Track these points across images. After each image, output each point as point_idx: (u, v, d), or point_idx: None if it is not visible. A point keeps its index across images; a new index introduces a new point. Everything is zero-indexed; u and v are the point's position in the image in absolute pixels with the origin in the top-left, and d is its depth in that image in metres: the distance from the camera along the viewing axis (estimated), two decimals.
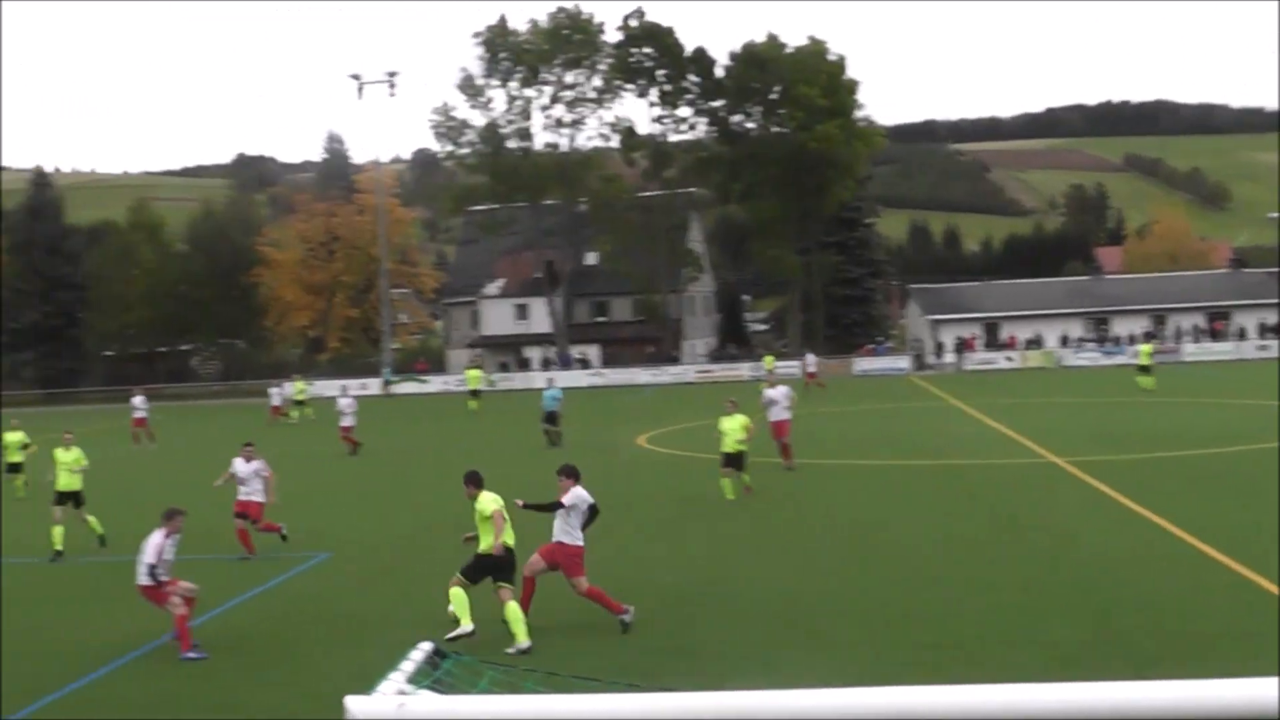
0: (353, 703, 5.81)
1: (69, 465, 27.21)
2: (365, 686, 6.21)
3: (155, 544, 17.84)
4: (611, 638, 17.23)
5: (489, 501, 18.14)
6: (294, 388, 65.88)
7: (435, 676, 6.40)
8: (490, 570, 17.80)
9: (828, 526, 25.66)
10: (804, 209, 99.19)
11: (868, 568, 21.28)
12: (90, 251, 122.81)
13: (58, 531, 25.69)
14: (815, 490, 31.11)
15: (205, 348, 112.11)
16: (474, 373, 68.37)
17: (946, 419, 50.22)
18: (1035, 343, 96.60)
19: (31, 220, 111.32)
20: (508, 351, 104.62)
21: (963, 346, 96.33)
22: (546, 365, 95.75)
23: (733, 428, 28.99)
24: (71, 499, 26.70)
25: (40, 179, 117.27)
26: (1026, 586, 19.12)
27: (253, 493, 24.92)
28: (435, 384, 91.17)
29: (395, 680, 6.05)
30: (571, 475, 18.70)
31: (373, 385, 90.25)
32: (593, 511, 18.63)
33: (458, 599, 17.55)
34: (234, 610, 20.08)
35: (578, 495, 18.40)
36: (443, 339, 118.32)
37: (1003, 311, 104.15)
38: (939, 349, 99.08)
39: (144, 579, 17.83)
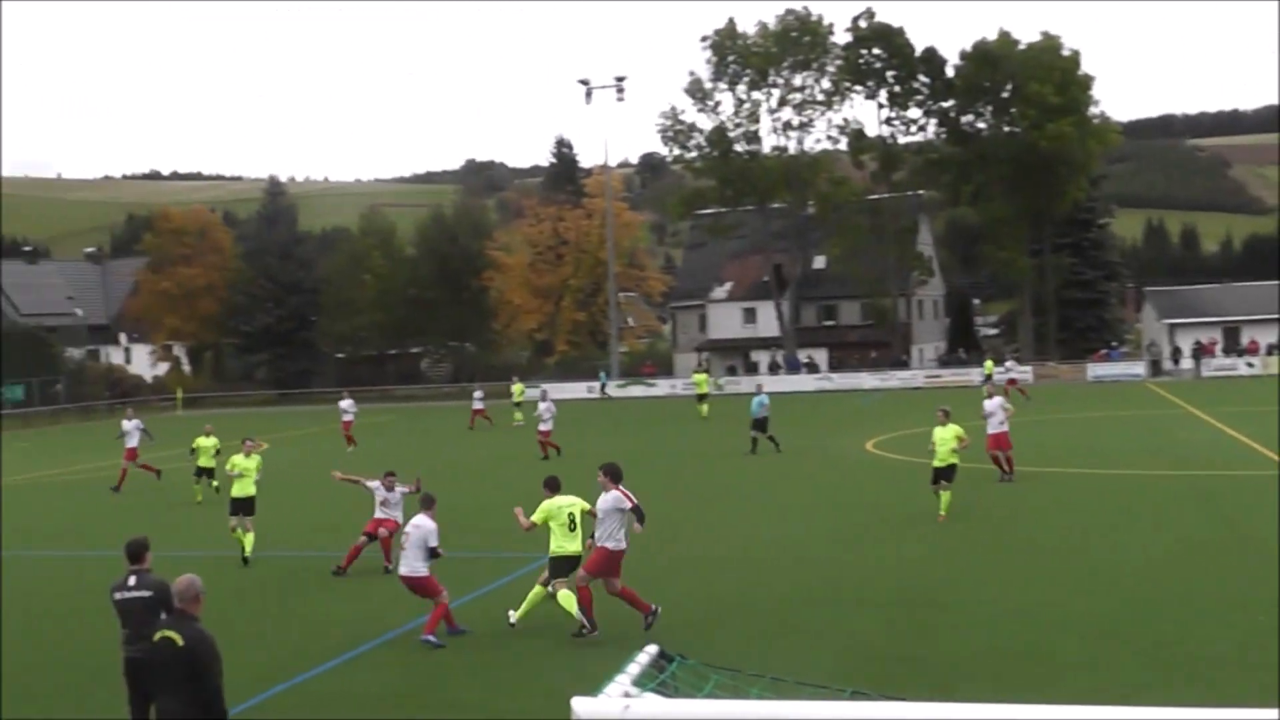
0: (579, 704, 5.85)
1: (249, 472, 26.92)
2: (588, 688, 6.23)
3: (433, 528, 18.22)
4: (837, 643, 17.09)
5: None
6: (514, 389, 66.13)
7: (661, 679, 6.42)
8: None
9: (1054, 536, 25.01)
10: (1036, 210, 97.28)
11: (1095, 581, 20.62)
12: (323, 257, 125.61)
13: (248, 539, 25.75)
14: (1041, 499, 30.25)
15: (435, 350, 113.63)
16: (701, 377, 67.92)
17: (1183, 427, 48.66)
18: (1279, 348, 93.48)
19: (266, 227, 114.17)
20: (735, 355, 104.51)
21: (1201, 351, 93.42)
22: (774, 369, 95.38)
23: (945, 439, 28.01)
24: (243, 507, 26.41)
25: (275, 188, 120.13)
26: (1272, 607, 17.84)
27: (390, 514, 24.40)
28: (662, 387, 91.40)
29: (621, 682, 6.07)
30: (610, 475, 18.72)
31: (599, 388, 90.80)
32: (637, 513, 18.59)
33: (568, 601, 17.74)
34: (459, 610, 20.30)
35: (608, 503, 18.37)
36: (670, 342, 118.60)
37: (1243, 315, 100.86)
38: (1176, 354, 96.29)
39: (423, 568, 18.25)
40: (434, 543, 18.40)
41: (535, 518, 18.80)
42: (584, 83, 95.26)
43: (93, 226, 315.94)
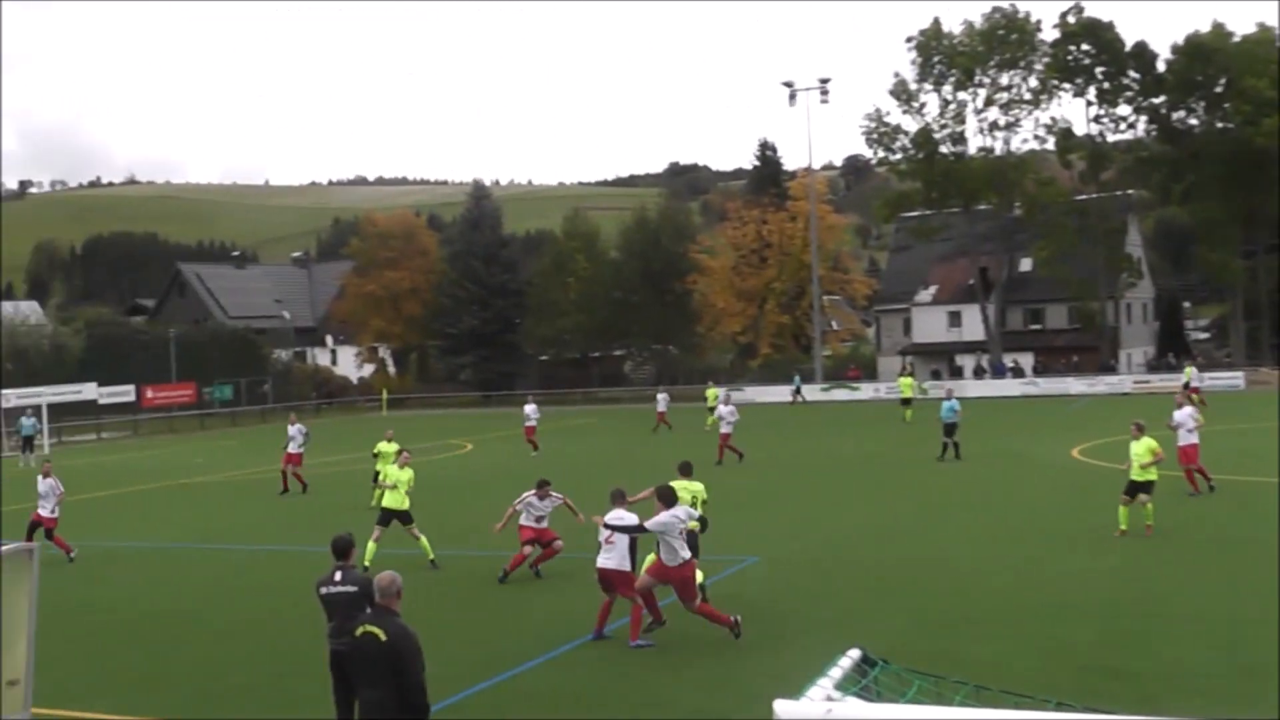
0: (781, 706, 5.81)
1: (402, 484, 26.33)
2: (789, 689, 6.19)
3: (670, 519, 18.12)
4: (1041, 651, 16.80)
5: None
6: (708, 394, 66.02)
7: (863, 684, 6.36)
8: None
9: (1263, 548, 24.29)
10: (1249, 210, 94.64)
11: None
12: (527, 260, 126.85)
13: (370, 548, 25.29)
14: (1250, 509, 29.18)
15: (638, 353, 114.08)
16: (907, 380, 67.14)
17: None
18: None
19: (471, 231, 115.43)
20: (940, 359, 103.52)
21: None
22: (979, 374, 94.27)
23: (1139, 453, 26.87)
24: (397, 517, 26.02)
25: (479, 191, 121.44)
26: None
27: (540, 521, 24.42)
28: (866, 391, 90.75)
29: (823, 686, 6.02)
30: (663, 499, 18.35)
31: (804, 391, 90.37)
32: (703, 524, 18.82)
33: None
34: (665, 609, 20.40)
35: (663, 522, 17.88)
36: (874, 346, 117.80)
37: None
38: None
39: (628, 563, 18.38)
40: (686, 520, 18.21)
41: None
42: (788, 85, 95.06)
43: (300, 231, 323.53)
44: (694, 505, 19.29)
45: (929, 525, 28.55)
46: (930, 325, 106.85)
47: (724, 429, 46.32)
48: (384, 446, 36.78)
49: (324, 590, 13.41)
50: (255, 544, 29.00)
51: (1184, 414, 32.40)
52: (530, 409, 54.75)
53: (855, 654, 6.71)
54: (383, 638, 10.66)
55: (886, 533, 27.56)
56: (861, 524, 29.05)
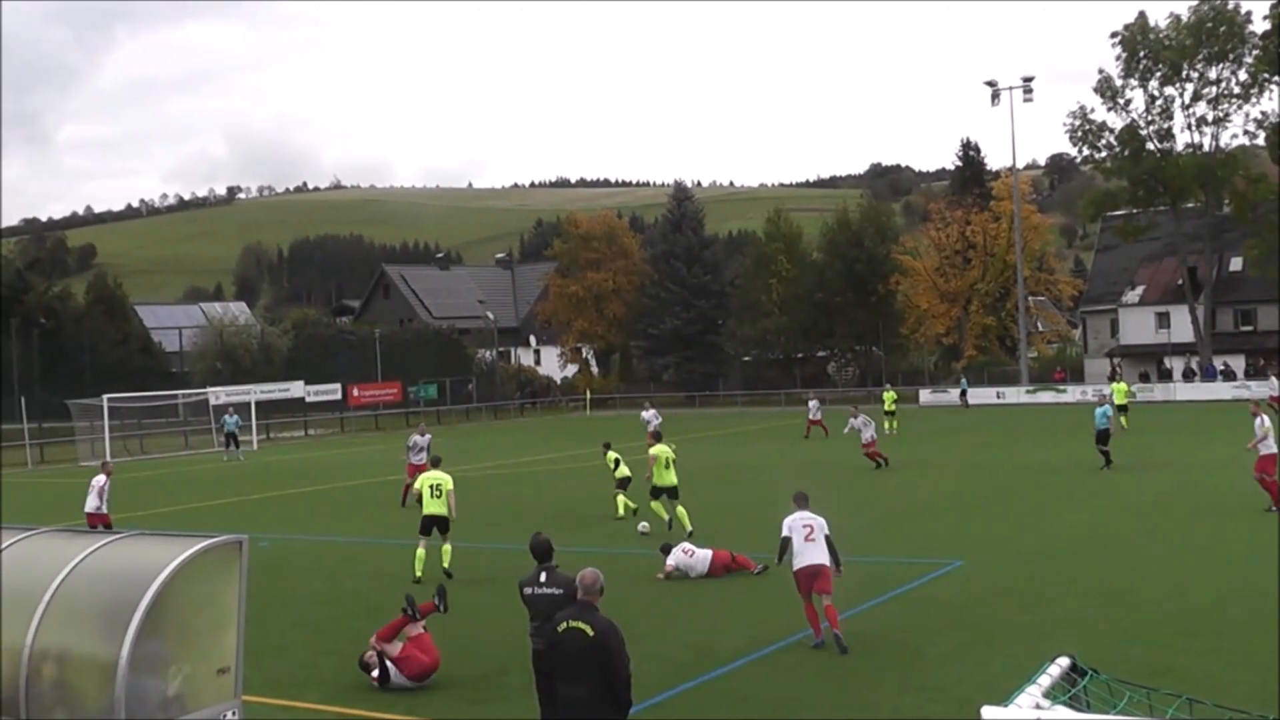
0: (989, 712, 5.71)
1: (441, 490, 26.10)
2: (993, 695, 6.08)
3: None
4: (1258, 666, 16.30)
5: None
6: (886, 397, 65.37)
7: (1072, 693, 6.22)
8: None
9: None
10: None
11: None
12: (729, 261, 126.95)
13: (420, 555, 25.60)
14: None
15: (841, 354, 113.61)
16: (1120, 386, 64.87)
17: None
18: None
19: (673, 232, 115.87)
20: (1148, 361, 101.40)
21: None
22: (1188, 376, 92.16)
23: None
24: (436, 525, 25.92)
25: (681, 192, 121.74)
26: None
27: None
28: (1072, 394, 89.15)
29: (1032, 694, 5.90)
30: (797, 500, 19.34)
31: (1009, 394, 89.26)
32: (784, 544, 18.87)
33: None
34: (869, 612, 20.29)
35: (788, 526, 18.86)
36: (1081, 348, 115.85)
37: None
38: None
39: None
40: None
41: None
42: (991, 84, 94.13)
43: (503, 233, 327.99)
44: (667, 464, 28.87)
45: (1135, 533, 27.93)
46: (1138, 326, 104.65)
47: (865, 437, 46.06)
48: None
49: (528, 591, 13.50)
50: (456, 540, 29.32)
51: (1264, 424, 30.98)
52: (649, 414, 54.57)
53: (1064, 662, 6.57)
54: (590, 633, 10.74)
55: (1093, 540, 27.04)
56: (1067, 530, 28.53)
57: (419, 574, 25.07)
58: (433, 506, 25.80)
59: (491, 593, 23.19)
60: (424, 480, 26.46)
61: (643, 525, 30.84)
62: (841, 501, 35.56)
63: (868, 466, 44.88)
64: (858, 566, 24.50)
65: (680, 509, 29.16)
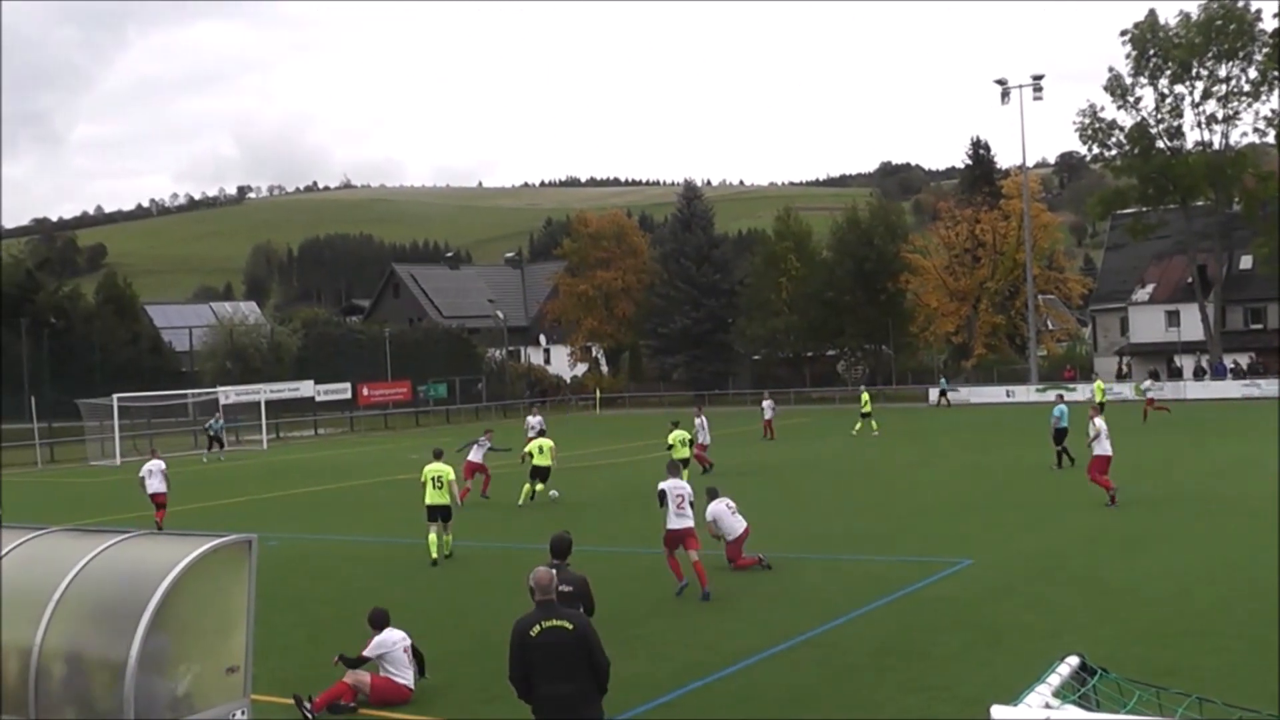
0: (999, 712, 5.70)
1: (443, 480, 28.02)
2: (1002, 695, 6.07)
3: None
4: (1268, 666, 16.24)
5: None
6: (862, 399, 65.46)
7: (1082, 692, 6.20)
8: None
9: None
10: None
11: None
12: (739, 260, 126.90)
13: (431, 540, 27.38)
14: None
15: (851, 353, 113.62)
16: (1099, 385, 64.71)
17: None
18: None
19: (682, 231, 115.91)
20: (1158, 359, 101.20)
21: None
22: (1198, 375, 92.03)
23: None
24: (441, 514, 27.67)
25: (690, 192, 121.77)
26: None
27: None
28: (1083, 392, 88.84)
29: (1041, 693, 5.89)
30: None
31: (1018, 392, 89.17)
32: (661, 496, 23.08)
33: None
34: (877, 611, 20.29)
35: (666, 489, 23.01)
36: (1090, 346, 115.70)
37: None
38: None
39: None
40: None
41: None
42: (1001, 82, 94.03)
43: (512, 232, 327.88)
44: (436, 483, 27.78)
45: (1142, 532, 27.87)
46: (1148, 325, 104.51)
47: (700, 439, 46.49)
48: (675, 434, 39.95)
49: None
50: (468, 539, 29.40)
51: (1098, 425, 32.78)
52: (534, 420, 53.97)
53: (1074, 661, 6.55)
54: (570, 628, 10.82)
55: (1102, 539, 27.00)
56: (1074, 529, 28.49)
57: (434, 556, 27.21)
58: (435, 497, 27.62)
59: (501, 592, 23.19)
60: (427, 472, 28.20)
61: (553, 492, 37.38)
62: (849, 501, 35.67)
63: (875, 466, 44.93)
64: (866, 566, 24.65)
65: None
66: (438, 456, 29.17)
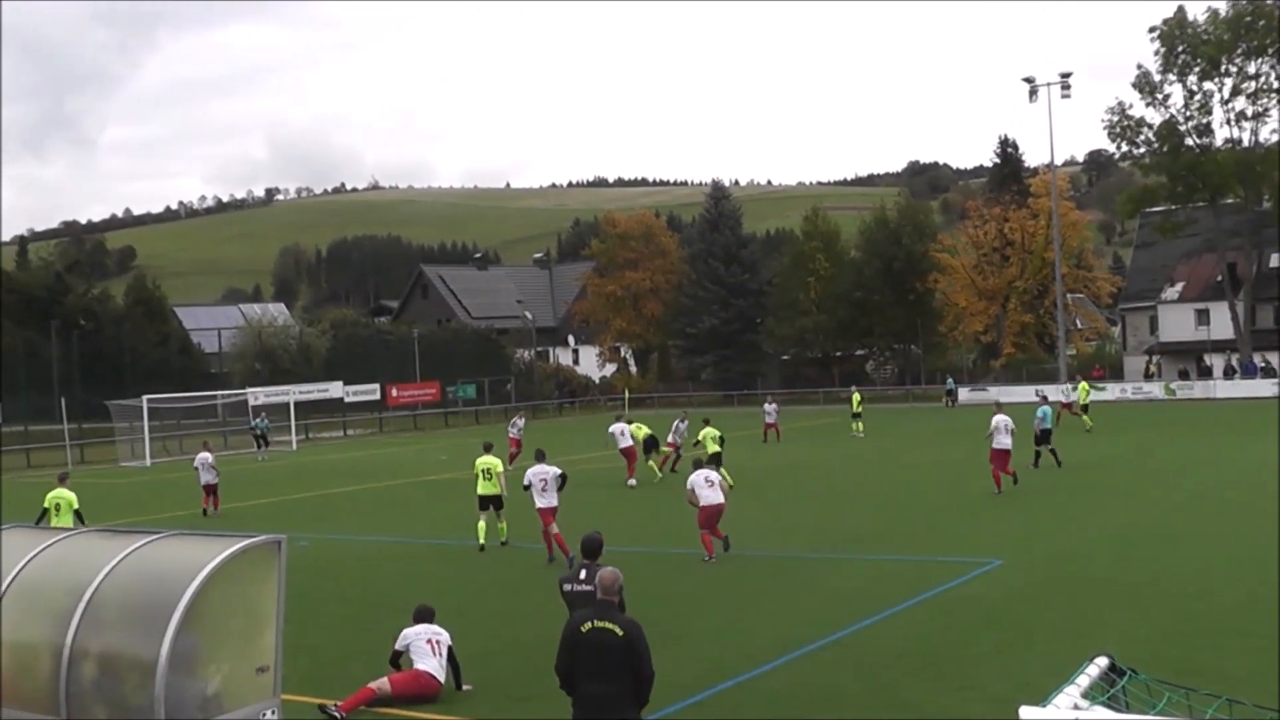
0: (1027, 712, 5.69)
1: (492, 472, 29.58)
2: (1032, 695, 6.06)
3: None
4: None
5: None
6: (853, 399, 65.62)
7: (1111, 693, 6.19)
8: None
9: None
10: None
11: None
12: (767, 260, 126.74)
13: (481, 527, 29.22)
14: None
15: (879, 352, 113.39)
16: (1084, 385, 64.23)
17: None
18: None
19: (710, 231, 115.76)
20: (1187, 358, 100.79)
21: None
22: (1228, 374, 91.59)
23: None
24: (492, 503, 29.36)
25: (718, 191, 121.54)
26: None
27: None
28: (1112, 391, 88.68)
29: (1070, 694, 5.88)
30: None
31: (1047, 392, 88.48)
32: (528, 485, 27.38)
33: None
34: (907, 611, 20.26)
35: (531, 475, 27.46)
36: (1120, 345, 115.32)
37: None
38: None
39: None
40: None
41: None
42: (1028, 80, 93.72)
43: (541, 233, 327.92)
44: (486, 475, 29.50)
45: (1175, 532, 27.78)
46: (1177, 323, 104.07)
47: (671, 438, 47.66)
48: (708, 430, 41.75)
49: (567, 587, 13.60)
50: (497, 539, 29.46)
51: (1000, 420, 35.32)
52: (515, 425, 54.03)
53: (1103, 662, 6.53)
54: (619, 633, 10.78)
55: (1130, 538, 26.91)
56: (1105, 529, 28.40)
57: (482, 542, 29.05)
58: (485, 487, 29.38)
59: (532, 593, 23.22)
60: (478, 464, 29.93)
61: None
62: (878, 500, 35.61)
63: (901, 465, 44.91)
64: (895, 565, 24.61)
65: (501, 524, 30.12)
66: (488, 449, 30.69)
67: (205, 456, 39.92)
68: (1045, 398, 46.99)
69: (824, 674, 16.84)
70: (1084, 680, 6.13)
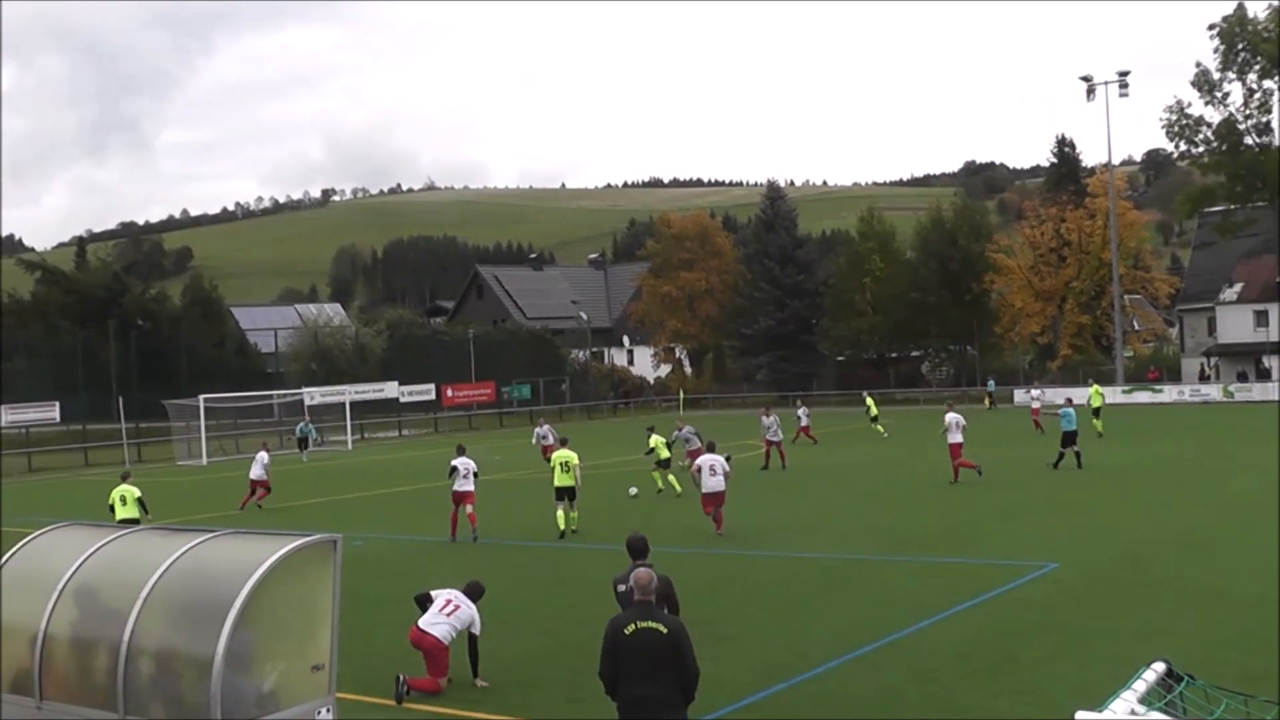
0: (1084, 718, 5.65)
1: (570, 465, 32.12)
2: (1088, 700, 6.01)
3: None
4: None
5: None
6: (868, 403, 65.62)
7: (1168, 699, 6.14)
8: None
9: None
10: None
11: None
12: (822, 260, 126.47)
13: (560, 516, 31.67)
14: None
15: (935, 354, 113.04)
16: (1096, 389, 63.09)
17: None
18: None
19: (766, 232, 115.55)
20: (1245, 360, 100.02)
21: None
22: None
23: None
24: (568, 494, 31.92)
25: (774, 192, 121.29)
26: None
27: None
28: (1169, 393, 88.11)
29: (1126, 699, 5.83)
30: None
31: (1105, 393, 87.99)
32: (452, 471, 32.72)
33: None
34: (963, 614, 20.18)
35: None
36: (1178, 346, 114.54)
37: None
38: None
39: None
40: None
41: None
42: (1086, 79, 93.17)
43: (596, 233, 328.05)
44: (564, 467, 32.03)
45: (1228, 535, 27.57)
46: (1236, 325, 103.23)
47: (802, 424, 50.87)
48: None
49: (621, 587, 13.69)
50: (549, 541, 29.57)
51: (951, 417, 40.43)
52: (542, 430, 54.69)
53: (1160, 667, 6.48)
54: (664, 631, 10.84)
55: (1186, 541, 26.70)
56: (1163, 532, 28.20)
57: (561, 529, 31.44)
58: (563, 479, 31.99)
59: (584, 592, 23.26)
60: (556, 458, 32.83)
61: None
62: (933, 502, 35.47)
63: (945, 467, 44.79)
64: (950, 567, 24.53)
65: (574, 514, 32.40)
66: (564, 444, 33.86)
67: (263, 455, 41.12)
68: (1070, 400, 46.88)
69: (879, 676, 16.80)
70: (1141, 685, 6.08)
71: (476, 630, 17.24)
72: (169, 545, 12.19)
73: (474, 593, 17.63)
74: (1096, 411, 58.83)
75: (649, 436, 41.73)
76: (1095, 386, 62.83)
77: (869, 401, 65.75)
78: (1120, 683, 6.27)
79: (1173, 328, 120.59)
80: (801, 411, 61.54)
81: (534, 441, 54.25)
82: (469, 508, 31.67)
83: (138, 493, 31.04)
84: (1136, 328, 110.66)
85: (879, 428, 62.92)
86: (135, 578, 11.77)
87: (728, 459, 31.54)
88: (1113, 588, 22.06)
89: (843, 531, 30.11)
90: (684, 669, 10.86)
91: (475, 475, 32.57)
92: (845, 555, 26.49)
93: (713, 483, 30.33)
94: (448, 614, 17.12)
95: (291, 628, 11.90)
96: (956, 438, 39.98)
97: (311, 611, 11.94)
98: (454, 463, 32.73)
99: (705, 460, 30.86)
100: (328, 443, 75.78)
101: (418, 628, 17.11)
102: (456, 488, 32.17)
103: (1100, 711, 5.72)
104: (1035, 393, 66.00)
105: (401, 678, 16.58)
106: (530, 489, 43.25)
